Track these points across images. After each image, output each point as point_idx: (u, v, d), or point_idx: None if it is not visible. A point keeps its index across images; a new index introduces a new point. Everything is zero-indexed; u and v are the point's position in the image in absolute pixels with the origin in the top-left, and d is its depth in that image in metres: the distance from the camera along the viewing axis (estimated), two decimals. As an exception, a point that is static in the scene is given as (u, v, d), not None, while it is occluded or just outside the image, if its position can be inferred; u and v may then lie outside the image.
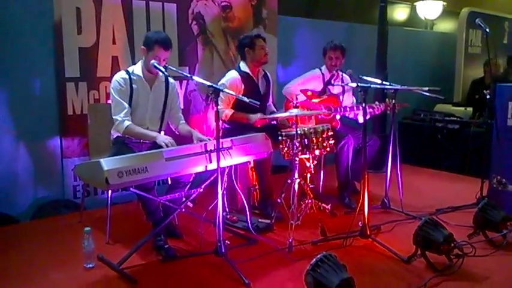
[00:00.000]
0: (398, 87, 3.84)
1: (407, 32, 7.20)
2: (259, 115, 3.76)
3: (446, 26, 8.02)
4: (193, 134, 3.31)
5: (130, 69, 3.36)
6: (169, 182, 3.38)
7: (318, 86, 4.19)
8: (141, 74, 3.32)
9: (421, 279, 2.77)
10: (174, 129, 3.56)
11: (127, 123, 3.22)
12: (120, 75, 3.29)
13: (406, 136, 5.90)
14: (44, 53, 3.90)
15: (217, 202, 2.84)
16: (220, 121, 3.46)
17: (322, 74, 4.23)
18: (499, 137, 3.96)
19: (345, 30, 6.04)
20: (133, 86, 3.29)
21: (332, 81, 4.07)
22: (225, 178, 3.11)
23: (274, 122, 3.98)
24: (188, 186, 3.26)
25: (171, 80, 3.44)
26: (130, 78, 3.29)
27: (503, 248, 3.24)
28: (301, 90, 4.08)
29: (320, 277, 2.34)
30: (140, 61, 3.36)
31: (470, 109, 6.14)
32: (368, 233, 3.25)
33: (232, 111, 3.79)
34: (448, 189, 4.86)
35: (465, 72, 7.25)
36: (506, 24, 8.01)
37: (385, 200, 4.03)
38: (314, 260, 2.40)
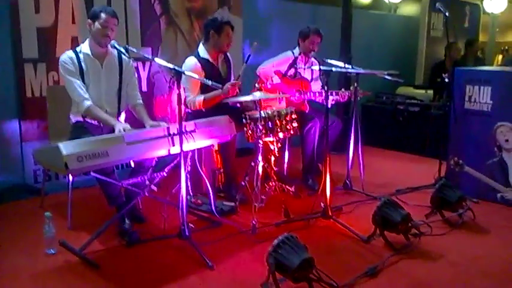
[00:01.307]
0: (361, 71, 3.91)
1: (372, 15, 7.26)
2: (227, 85, 3.59)
3: (410, 9, 8.13)
4: (145, 122, 3.26)
5: (78, 48, 3.25)
6: (132, 166, 3.34)
7: (285, 68, 4.21)
8: (89, 52, 3.21)
9: (380, 257, 2.87)
10: (130, 108, 3.47)
11: (87, 103, 3.14)
12: (67, 55, 3.18)
13: (369, 118, 6.03)
14: (0, 34, 3.75)
15: (180, 185, 2.84)
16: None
17: (295, 56, 4.23)
18: (456, 120, 4.09)
19: (310, 12, 6.05)
20: (82, 64, 3.19)
21: (297, 63, 4.08)
22: (189, 161, 3.11)
23: (238, 105, 3.97)
24: (151, 170, 3.24)
25: (124, 56, 3.30)
26: (78, 56, 3.19)
27: (458, 227, 3.38)
28: (275, 72, 4.09)
29: (281, 258, 2.38)
30: (88, 39, 3.25)
31: (431, 92, 6.31)
32: (330, 213, 3.32)
33: (202, 96, 3.69)
34: (408, 170, 5.00)
35: (427, 55, 7.42)
36: (467, 8, 8.20)
37: (347, 181, 4.12)
38: (275, 241, 2.43)
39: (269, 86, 4.08)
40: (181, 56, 4.51)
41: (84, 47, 3.23)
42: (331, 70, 3.30)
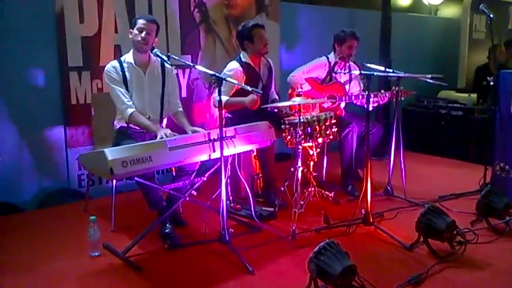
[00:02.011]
0: (402, 74, 3.83)
1: (411, 18, 7.13)
2: (252, 96, 3.55)
3: (450, 11, 7.94)
4: (186, 128, 3.32)
5: (122, 57, 3.35)
6: (174, 171, 3.40)
7: (322, 74, 4.18)
8: (132, 61, 3.31)
9: (424, 266, 2.79)
10: (171, 115, 3.54)
11: (130, 110, 3.22)
12: (111, 64, 3.30)
13: (410, 123, 5.90)
14: (47, 43, 3.90)
15: (221, 190, 2.86)
16: (223, 110, 3.43)
17: (329, 62, 4.19)
18: (502, 124, 3.95)
19: (348, 16, 6.00)
20: (126, 73, 3.28)
21: (335, 69, 4.04)
22: (229, 167, 3.13)
23: (276, 110, 3.97)
24: (193, 175, 3.28)
25: (167, 64, 3.37)
26: (121, 66, 3.29)
27: (505, 235, 3.25)
28: (306, 79, 4.07)
29: (323, 264, 2.35)
30: (132, 49, 3.35)
31: (474, 95, 6.11)
32: (371, 220, 3.26)
33: (226, 97, 3.66)
34: (451, 176, 4.87)
35: (469, 58, 7.20)
36: (511, 9, 7.93)
37: (388, 187, 4.04)
38: (317, 247, 2.41)
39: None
40: (219, 63, 4.57)
41: (128, 57, 3.33)
42: (372, 74, 3.26)
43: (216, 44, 4.85)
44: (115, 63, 3.30)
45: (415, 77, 3.92)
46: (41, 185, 4.01)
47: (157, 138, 3.02)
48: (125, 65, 3.30)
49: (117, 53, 4.11)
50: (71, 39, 3.94)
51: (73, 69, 3.99)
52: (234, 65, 3.82)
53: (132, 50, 3.34)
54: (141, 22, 3.23)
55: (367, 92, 3.25)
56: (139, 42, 3.23)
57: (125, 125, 3.34)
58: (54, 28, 3.90)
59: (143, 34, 3.22)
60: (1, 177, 3.78)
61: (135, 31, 3.24)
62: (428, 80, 3.88)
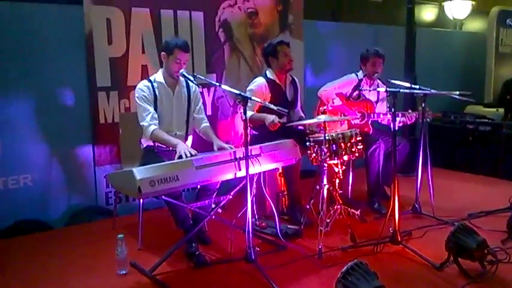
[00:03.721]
0: (429, 91, 3.77)
1: (436, 33, 7.08)
2: (273, 117, 3.57)
3: (476, 25, 7.86)
4: (214, 142, 3.37)
5: (152, 77, 3.44)
6: (198, 189, 3.43)
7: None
8: (162, 81, 3.40)
9: (454, 286, 2.74)
10: (197, 131, 3.60)
11: (153, 127, 3.28)
12: (143, 83, 3.39)
13: (436, 138, 5.78)
14: (76, 64, 4.01)
15: (246, 209, 2.86)
16: (248, 128, 3.45)
17: (359, 79, 4.19)
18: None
19: (372, 33, 6.00)
20: (156, 92, 3.37)
21: (360, 87, 4.03)
22: (254, 185, 3.13)
23: (302, 128, 3.98)
24: (216, 192, 3.30)
25: (191, 84, 3.47)
26: (152, 85, 3.37)
27: (538, 254, 3.16)
28: (337, 94, 4.08)
29: (351, 285, 2.33)
30: (161, 69, 3.45)
31: (502, 110, 6.01)
32: (399, 239, 3.21)
33: (251, 112, 3.69)
34: (480, 193, 4.77)
35: (496, 72, 7.10)
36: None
37: (416, 205, 3.97)
38: (345, 267, 2.39)
39: (330, 108, 4.06)
40: (244, 81, 4.61)
41: (158, 77, 3.41)
42: (399, 91, 3.24)
43: (240, 62, 4.91)
44: (146, 82, 3.39)
45: (443, 94, 3.85)
46: (69, 202, 4.09)
47: (176, 155, 3.06)
48: (155, 84, 3.38)
49: (144, 73, 4.20)
50: (99, 59, 4.05)
51: (101, 89, 4.08)
52: (259, 80, 3.86)
53: (161, 70, 3.44)
54: (180, 54, 3.29)
55: (393, 109, 3.23)
56: (177, 73, 3.31)
57: (152, 143, 3.40)
58: (83, 49, 4.01)
59: (180, 67, 3.30)
60: (31, 195, 3.88)
61: (171, 61, 3.30)
62: (456, 97, 3.81)
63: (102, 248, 3.48)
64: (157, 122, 3.33)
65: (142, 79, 4.09)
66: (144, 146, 3.46)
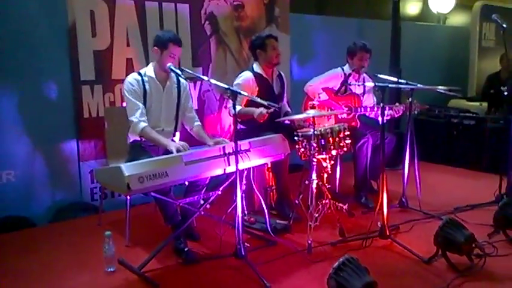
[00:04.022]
0: (416, 86, 3.77)
1: (420, 27, 7.12)
2: (261, 109, 3.51)
3: (459, 19, 7.93)
4: (207, 142, 3.34)
5: (142, 71, 3.37)
6: (187, 185, 3.39)
7: (337, 85, 4.16)
8: (153, 75, 3.33)
9: (444, 280, 2.76)
10: (189, 130, 3.56)
11: (143, 124, 3.22)
12: (133, 77, 3.31)
13: (421, 132, 5.80)
14: (59, 57, 3.92)
15: (236, 204, 2.84)
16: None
17: (344, 73, 4.18)
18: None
19: (357, 26, 6.00)
20: (146, 87, 3.30)
21: (348, 81, 4.02)
22: (244, 180, 3.11)
23: (288, 122, 3.95)
24: (205, 188, 3.27)
25: (182, 80, 3.42)
26: (142, 79, 3.30)
27: (524, 247, 3.21)
28: (323, 89, 4.06)
29: (343, 281, 2.33)
30: (151, 63, 3.38)
31: (485, 104, 6.07)
32: (387, 233, 3.23)
33: (240, 107, 3.64)
34: (465, 187, 4.82)
35: (479, 66, 7.18)
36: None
37: (403, 199, 3.99)
38: (336, 263, 2.38)
39: (316, 103, 4.04)
40: (230, 74, 4.57)
41: (149, 71, 3.34)
42: (387, 86, 3.24)
43: (226, 55, 4.86)
44: (136, 76, 3.31)
45: (431, 88, 3.86)
46: (53, 199, 4.02)
47: (174, 152, 3.01)
48: (145, 78, 3.31)
49: (129, 66, 4.13)
50: (83, 52, 3.96)
51: (85, 83, 4.00)
52: (246, 74, 3.83)
53: (152, 64, 3.36)
54: (175, 48, 3.24)
55: (381, 104, 3.23)
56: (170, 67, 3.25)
57: (138, 138, 3.33)
58: (66, 42, 3.92)
59: (175, 59, 3.26)
60: (14, 191, 3.79)
61: (165, 55, 3.24)
62: (446, 92, 3.82)
63: (88, 245, 3.42)
64: (146, 118, 3.27)
65: (127, 73, 4.03)
66: (131, 140, 3.39)
